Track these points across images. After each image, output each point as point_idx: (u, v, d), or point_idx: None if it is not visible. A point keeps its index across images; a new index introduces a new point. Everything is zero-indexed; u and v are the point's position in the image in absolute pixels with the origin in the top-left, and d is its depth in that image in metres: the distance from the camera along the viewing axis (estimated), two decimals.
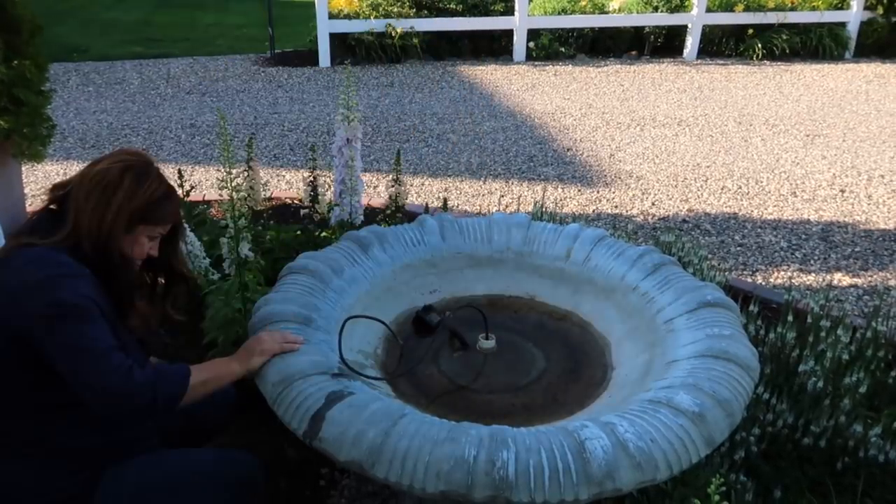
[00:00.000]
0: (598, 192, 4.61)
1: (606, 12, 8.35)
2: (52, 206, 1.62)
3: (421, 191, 4.58)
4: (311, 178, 3.18)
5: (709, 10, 8.16)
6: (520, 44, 7.99)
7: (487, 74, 7.48)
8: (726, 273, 3.38)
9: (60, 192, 1.61)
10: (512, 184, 4.72)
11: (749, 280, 3.54)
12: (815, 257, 3.83)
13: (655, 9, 8.22)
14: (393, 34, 7.64)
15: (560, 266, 2.03)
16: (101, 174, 1.57)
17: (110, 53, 7.96)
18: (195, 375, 1.55)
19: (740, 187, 4.71)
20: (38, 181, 4.59)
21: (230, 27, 9.75)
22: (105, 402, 1.45)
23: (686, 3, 8.23)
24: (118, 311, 1.59)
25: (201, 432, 1.88)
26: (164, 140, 5.39)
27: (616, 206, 4.40)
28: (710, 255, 3.76)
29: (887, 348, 2.51)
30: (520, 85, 7.10)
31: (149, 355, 1.78)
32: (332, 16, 7.58)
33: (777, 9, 8.11)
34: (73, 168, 4.82)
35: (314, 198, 3.21)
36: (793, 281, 3.56)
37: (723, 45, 8.46)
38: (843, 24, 8.36)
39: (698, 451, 1.36)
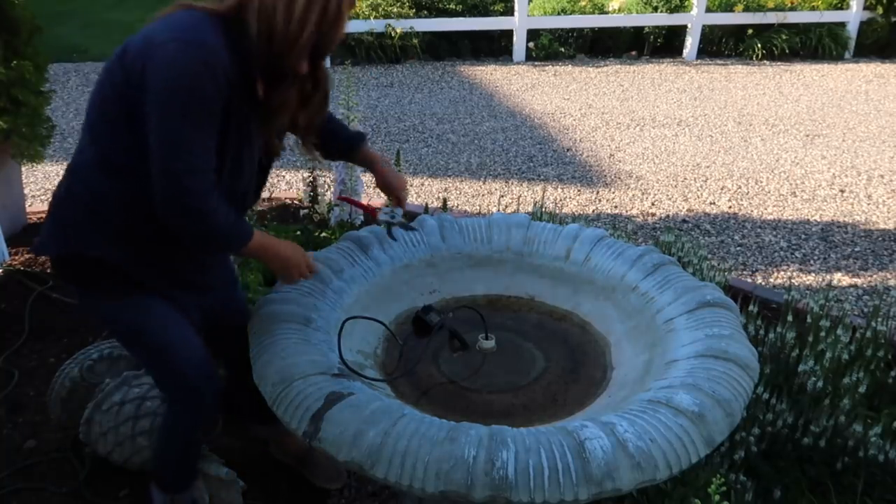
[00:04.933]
0: (597, 192, 4.61)
1: (606, 12, 8.35)
2: None
3: (421, 191, 4.58)
4: (311, 179, 3.18)
5: (708, 10, 8.16)
6: (519, 44, 7.99)
7: (487, 74, 7.48)
8: (726, 273, 3.38)
9: None
10: (512, 184, 4.72)
11: (749, 280, 3.54)
12: (815, 257, 3.83)
13: (655, 9, 8.22)
14: (392, 34, 7.64)
15: (560, 266, 2.03)
16: None
17: (110, 54, 7.91)
18: (249, 245, 1.56)
19: (740, 187, 4.71)
20: (37, 181, 4.59)
21: None
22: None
23: (686, 3, 8.23)
24: (261, 117, 1.51)
25: None
26: None
27: (616, 206, 4.40)
28: (709, 255, 3.76)
29: (887, 348, 2.51)
30: (519, 85, 7.10)
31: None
32: None
33: (777, 9, 8.11)
34: None
35: (314, 198, 3.22)
36: (792, 281, 3.56)
37: (722, 45, 8.46)
38: (842, 24, 8.36)
39: (698, 451, 1.36)
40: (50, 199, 1.59)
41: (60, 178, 1.59)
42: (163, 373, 1.72)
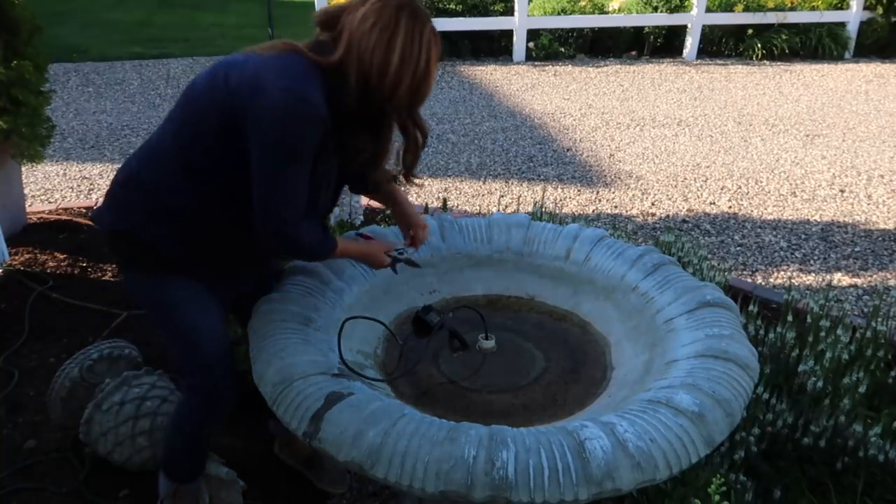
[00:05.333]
0: (597, 192, 4.61)
1: (606, 12, 8.35)
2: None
3: (421, 191, 4.58)
4: None
5: (708, 10, 8.16)
6: (519, 44, 7.99)
7: (487, 74, 7.48)
8: (726, 273, 3.37)
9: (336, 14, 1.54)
10: (512, 184, 4.72)
11: (749, 280, 3.54)
12: (815, 257, 3.83)
13: (655, 9, 8.23)
14: None
15: (560, 266, 2.03)
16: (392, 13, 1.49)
17: (110, 54, 7.95)
18: (335, 252, 1.71)
19: (740, 187, 4.71)
20: (37, 181, 4.59)
21: (230, 27, 9.75)
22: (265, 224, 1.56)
23: (686, 3, 8.23)
24: (367, 161, 1.64)
25: None
26: None
27: (616, 206, 4.40)
28: (709, 255, 3.76)
29: (887, 348, 2.51)
30: (519, 85, 7.11)
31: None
32: None
33: (777, 9, 8.12)
34: (73, 169, 4.82)
35: None
36: (792, 281, 3.56)
37: (722, 45, 8.46)
38: (842, 24, 8.36)
39: (698, 451, 1.36)
40: (116, 173, 1.69)
41: (131, 154, 1.70)
42: (185, 356, 1.78)
